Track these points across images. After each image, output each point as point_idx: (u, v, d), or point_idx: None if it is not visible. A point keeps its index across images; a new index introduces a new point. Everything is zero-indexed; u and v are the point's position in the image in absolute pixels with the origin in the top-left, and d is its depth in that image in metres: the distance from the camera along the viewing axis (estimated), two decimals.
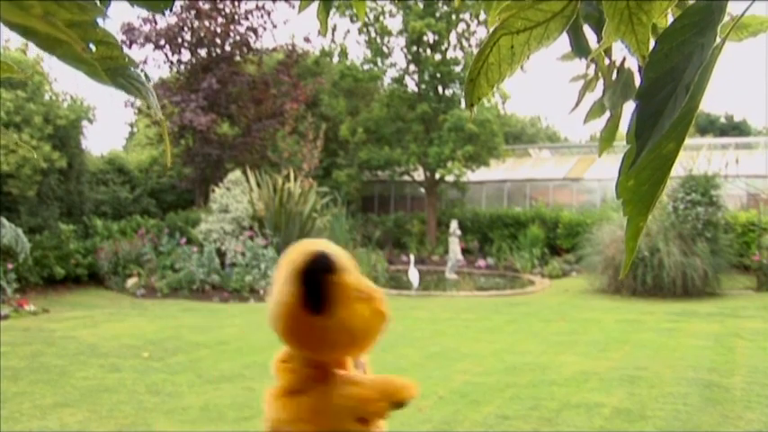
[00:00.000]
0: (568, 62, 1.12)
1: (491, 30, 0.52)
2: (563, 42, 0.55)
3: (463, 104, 15.92)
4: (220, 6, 14.07)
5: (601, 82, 1.17)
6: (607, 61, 1.10)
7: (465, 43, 15.63)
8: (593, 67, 1.18)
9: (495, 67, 0.53)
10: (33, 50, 11.64)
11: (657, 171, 0.41)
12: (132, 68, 0.56)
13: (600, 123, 1.25)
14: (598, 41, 0.92)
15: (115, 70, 0.55)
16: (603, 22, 0.63)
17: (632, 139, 0.41)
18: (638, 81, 0.98)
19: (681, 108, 0.39)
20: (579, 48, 0.96)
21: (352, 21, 15.23)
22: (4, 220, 8.39)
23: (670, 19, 0.66)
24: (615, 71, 1.07)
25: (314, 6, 1.05)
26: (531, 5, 0.50)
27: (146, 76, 0.59)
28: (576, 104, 1.21)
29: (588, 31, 0.97)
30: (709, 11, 0.42)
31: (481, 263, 14.48)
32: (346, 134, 15.76)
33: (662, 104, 0.40)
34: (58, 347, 6.03)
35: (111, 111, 46.30)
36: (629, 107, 1.08)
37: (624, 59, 1.04)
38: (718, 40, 0.41)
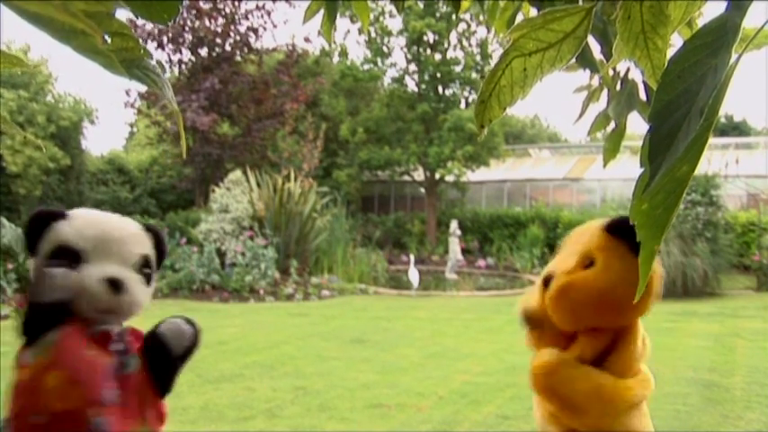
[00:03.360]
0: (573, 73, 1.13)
1: (503, 51, 0.52)
2: None
3: (463, 104, 16.01)
4: (220, 6, 14.07)
5: (605, 92, 1.17)
6: (611, 72, 1.11)
7: (465, 43, 15.64)
8: (596, 77, 1.18)
9: (508, 89, 0.52)
10: (36, 52, 11.64)
11: (671, 194, 0.41)
12: (147, 60, 0.56)
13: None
14: (602, 52, 0.93)
15: (131, 62, 0.54)
16: (608, 33, 0.63)
17: (646, 163, 0.41)
18: (642, 92, 0.98)
19: (695, 130, 0.39)
20: (584, 59, 0.96)
21: (352, 21, 15.24)
22: (5, 220, 8.38)
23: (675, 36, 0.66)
24: (619, 82, 1.07)
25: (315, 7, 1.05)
26: (542, 26, 0.49)
27: (161, 66, 0.59)
28: (581, 115, 1.21)
29: (591, 41, 0.97)
30: (722, 31, 0.41)
31: (481, 263, 14.48)
32: (346, 134, 15.75)
33: (675, 127, 0.40)
34: None
35: (112, 111, 46.33)
36: (633, 118, 1.08)
37: (628, 70, 1.04)
38: (733, 58, 0.41)
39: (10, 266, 9.06)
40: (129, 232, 1.39)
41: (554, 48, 0.51)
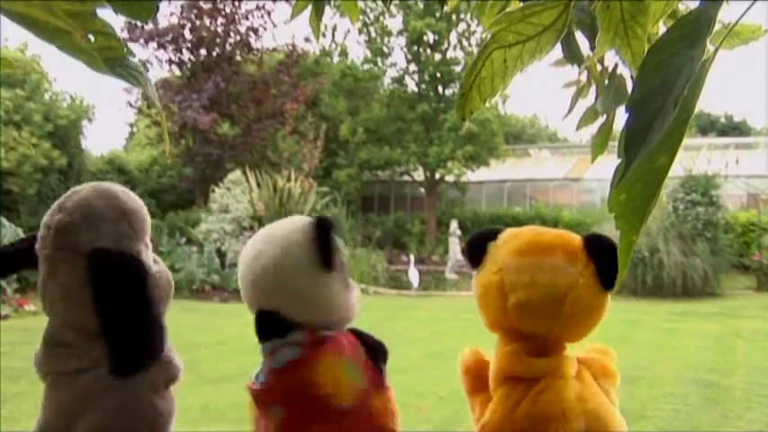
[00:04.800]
0: (561, 68, 1.13)
1: (483, 44, 0.52)
2: (556, 48, 0.55)
3: None
4: (220, 6, 14.08)
5: (593, 88, 1.17)
6: (599, 67, 1.11)
7: (465, 43, 15.64)
8: (585, 72, 1.19)
9: (488, 81, 0.53)
10: (32, 51, 11.67)
11: (650, 185, 0.41)
12: (131, 58, 0.56)
13: (594, 126, 1.26)
14: (590, 47, 0.93)
15: (114, 60, 0.55)
16: (596, 28, 0.63)
17: (622, 154, 0.41)
18: (630, 86, 0.98)
19: (671, 122, 0.39)
20: (571, 54, 0.96)
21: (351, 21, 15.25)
22: (4, 220, 8.40)
23: (661, 26, 0.67)
24: (607, 77, 1.08)
25: (310, 8, 1.05)
26: (521, 19, 0.50)
27: (144, 65, 0.59)
28: (569, 111, 1.22)
29: (580, 37, 0.98)
30: (698, 23, 0.42)
31: None
32: (346, 134, 15.76)
33: (651, 118, 0.40)
34: None
35: (112, 111, 46.40)
36: (622, 113, 1.08)
37: (616, 65, 1.04)
38: (711, 49, 0.41)
39: None
40: None
41: (533, 40, 0.51)
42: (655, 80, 0.41)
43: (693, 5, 0.47)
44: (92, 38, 0.52)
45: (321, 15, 0.95)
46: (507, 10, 0.52)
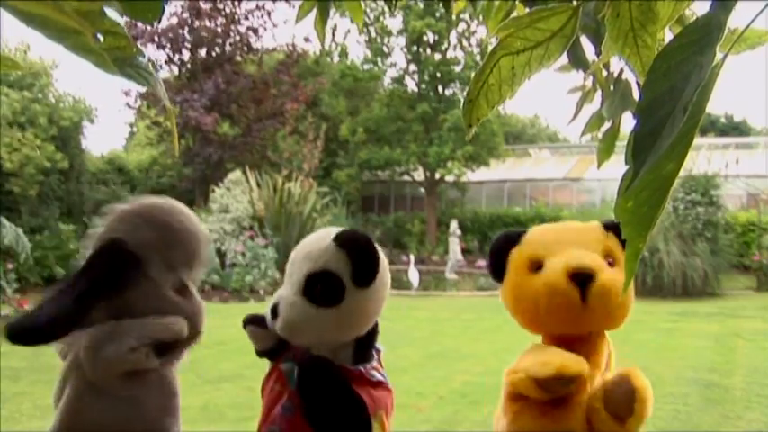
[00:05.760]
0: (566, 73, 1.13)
1: (490, 50, 0.52)
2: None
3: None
4: (220, 6, 14.08)
5: (599, 93, 1.17)
6: (605, 73, 1.11)
7: (465, 43, 15.65)
8: (590, 77, 1.19)
9: (496, 88, 0.52)
10: (35, 53, 11.69)
11: (657, 192, 0.41)
12: (140, 58, 0.56)
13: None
14: (596, 52, 0.93)
15: (123, 60, 0.54)
16: (601, 33, 0.63)
17: (630, 160, 0.41)
18: (635, 92, 0.98)
19: (679, 128, 0.39)
20: (576, 60, 0.96)
21: (352, 21, 15.26)
22: (4, 220, 8.38)
23: (667, 32, 0.66)
24: (613, 82, 1.08)
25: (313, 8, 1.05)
26: (529, 24, 0.49)
27: (153, 65, 0.59)
28: (575, 116, 1.22)
29: (585, 42, 0.98)
30: (708, 29, 0.41)
31: (481, 263, 14.46)
32: (346, 134, 15.76)
33: (660, 125, 0.40)
34: None
35: (112, 111, 46.47)
36: (627, 119, 1.08)
37: (622, 71, 1.04)
38: (719, 56, 0.41)
39: (10, 266, 9.05)
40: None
41: (542, 46, 0.51)
42: (663, 86, 0.41)
43: (700, 6, 0.47)
44: (101, 37, 0.51)
45: (326, 18, 0.94)
46: (514, 15, 0.52)
